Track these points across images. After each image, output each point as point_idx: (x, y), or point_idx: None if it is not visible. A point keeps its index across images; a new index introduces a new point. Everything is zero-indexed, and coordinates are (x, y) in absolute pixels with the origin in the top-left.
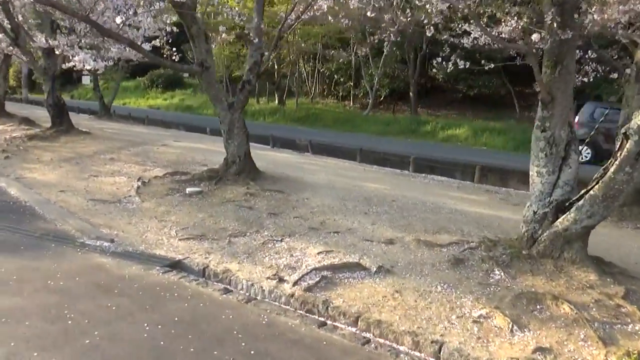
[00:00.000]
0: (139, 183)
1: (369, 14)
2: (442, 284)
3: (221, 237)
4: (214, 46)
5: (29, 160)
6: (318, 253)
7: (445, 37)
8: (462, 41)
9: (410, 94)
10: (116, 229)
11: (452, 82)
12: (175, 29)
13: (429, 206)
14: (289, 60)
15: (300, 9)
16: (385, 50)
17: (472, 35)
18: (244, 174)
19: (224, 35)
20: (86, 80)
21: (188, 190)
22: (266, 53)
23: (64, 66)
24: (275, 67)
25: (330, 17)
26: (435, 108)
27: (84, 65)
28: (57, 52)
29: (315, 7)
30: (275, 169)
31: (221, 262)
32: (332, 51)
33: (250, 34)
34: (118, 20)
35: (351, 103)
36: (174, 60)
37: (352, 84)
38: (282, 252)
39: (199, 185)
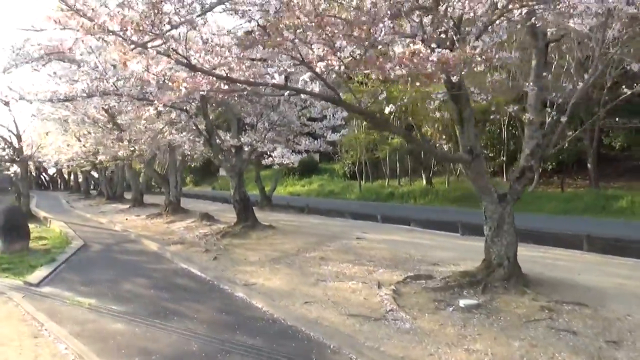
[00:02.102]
0: (390, 292)
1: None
2: None
3: None
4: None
5: (237, 261)
6: None
7: None
8: None
9: (588, 165)
10: None
11: (632, 150)
12: None
13: None
14: (436, 137)
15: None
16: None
17: None
18: (513, 279)
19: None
20: (223, 172)
21: (462, 303)
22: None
23: (263, 162)
24: None
25: None
26: (608, 180)
27: (282, 159)
28: (245, 149)
29: None
30: (523, 266)
31: None
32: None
33: (527, 113)
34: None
35: (504, 179)
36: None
37: (504, 159)
38: None
39: (462, 293)
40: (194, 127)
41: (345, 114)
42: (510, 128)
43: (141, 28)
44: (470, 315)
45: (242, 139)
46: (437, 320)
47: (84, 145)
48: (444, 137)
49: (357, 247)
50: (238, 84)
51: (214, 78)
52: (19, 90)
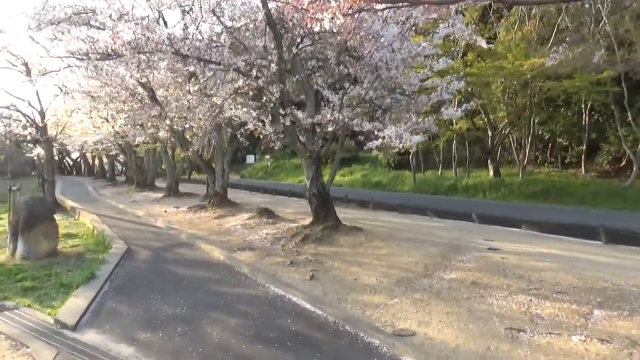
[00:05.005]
0: None
1: None
2: None
3: None
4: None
5: (347, 283)
6: None
7: None
8: None
9: None
10: None
11: None
12: None
13: None
14: (506, 123)
15: None
16: None
17: None
18: None
19: None
20: (250, 159)
21: None
22: None
23: (369, 146)
24: (489, 132)
25: None
26: None
27: (400, 142)
28: (329, 129)
29: None
30: None
31: None
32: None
33: None
34: None
35: (583, 171)
36: None
37: (583, 147)
38: None
39: None
40: (271, 98)
41: (460, 84)
42: (593, 113)
43: None
44: None
45: (326, 115)
46: None
47: (113, 127)
48: None
49: (507, 265)
50: None
51: None
52: (45, 45)
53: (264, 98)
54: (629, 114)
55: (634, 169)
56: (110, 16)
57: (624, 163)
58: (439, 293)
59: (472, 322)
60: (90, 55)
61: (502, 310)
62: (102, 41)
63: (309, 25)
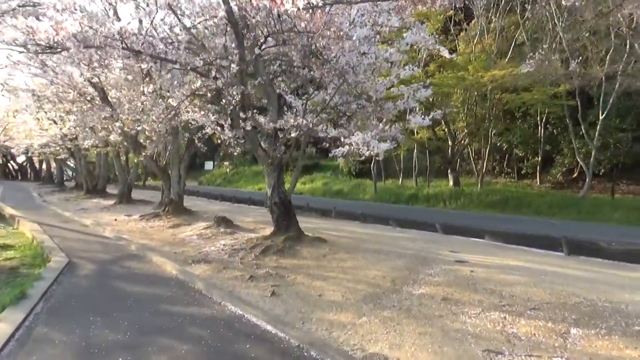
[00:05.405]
0: None
1: None
2: None
3: None
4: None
5: (311, 300)
6: None
7: None
8: None
9: None
10: None
11: None
12: None
13: None
14: (466, 134)
15: None
16: (600, 115)
17: None
18: None
19: None
20: (209, 165)
21: None
22: None
23: (335, 153)
24: (449, 142)
25: None
26: None
27: (367, 149)
28: (292, 134)
29: None
30: None
31: None
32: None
33: None
34: None
35: (538, 182)
36: None
37: (539, 159)
38: None
39: None
40: (230, 101)
41: (428, 92)
42: (548, 126)
43: None
44: None
45: (289, 120)
46: None
47: (61, 129)
48: None
49: (477, 278)
50: None
51: None
52: None
53: (224, 101)
54: (582, 127)
55: (587, 180)
56: (54, 6)
57: (575, 175)
58: (410, 310)
59: (446, 344)
60: (28, 46)
61: (476, 329)
62: (43, 32)
63: (276, 12)
